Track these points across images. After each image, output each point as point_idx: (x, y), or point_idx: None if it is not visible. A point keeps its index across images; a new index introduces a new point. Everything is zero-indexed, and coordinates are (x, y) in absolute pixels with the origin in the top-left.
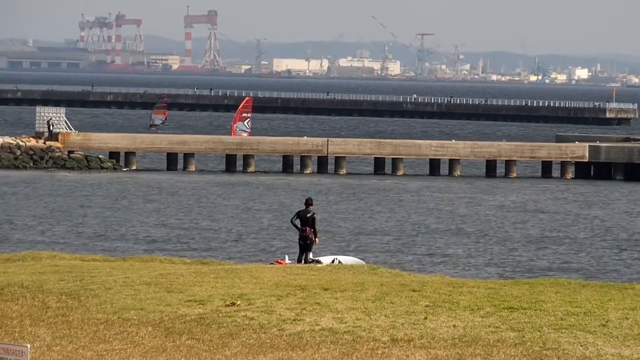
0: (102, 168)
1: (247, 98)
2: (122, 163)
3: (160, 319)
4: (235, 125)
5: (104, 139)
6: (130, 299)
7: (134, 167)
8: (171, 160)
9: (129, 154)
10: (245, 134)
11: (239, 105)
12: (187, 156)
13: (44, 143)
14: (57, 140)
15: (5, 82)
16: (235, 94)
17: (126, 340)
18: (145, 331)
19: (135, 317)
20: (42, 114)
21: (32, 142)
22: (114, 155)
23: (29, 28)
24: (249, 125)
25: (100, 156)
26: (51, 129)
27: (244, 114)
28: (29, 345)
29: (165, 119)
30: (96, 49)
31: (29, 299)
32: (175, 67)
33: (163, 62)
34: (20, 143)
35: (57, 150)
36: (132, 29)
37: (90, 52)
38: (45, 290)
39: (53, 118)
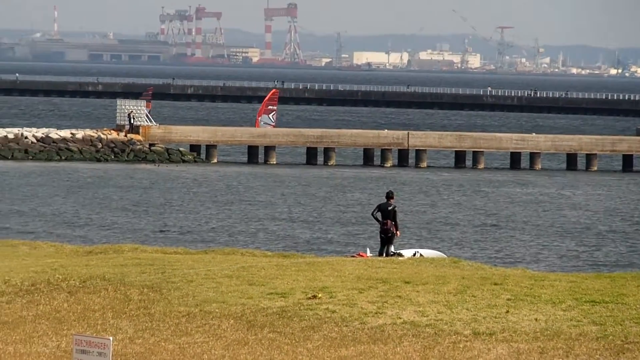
0: (183, 161)
1: (273, 90)
2: (202, 156)
3: (242, 311)
4: (259, 117)
5: (184, 132)
6: (212, 292)
7: (215, 160)
8: (252, 154)
9: (210, 147)
10: (269, 127)
11: (318, 98)
12: (268, 149)
13: (125, 136)
14: (138, 133)
15: (86, 75)
16: (316, 87)
17: (208, 333)
18: (227, 324)
19: (217, 310)
20: (123, 106)
21: (113, 134)
22: (194, 148)
23: (110, 21)
24: (275, 118)
25: (181, 149)
26: (132, 121)
27: (269, 107)
28: (111, 338)
29: (149, 111)
30: (176, 41)
31: (111, 291)
32: (255, 59)
33: (243, 55)
34: (102, 136)
35: (138, 143)
36: (213, 22)
37: (171, 45)
38: (127, 283)
39: (134, 111)
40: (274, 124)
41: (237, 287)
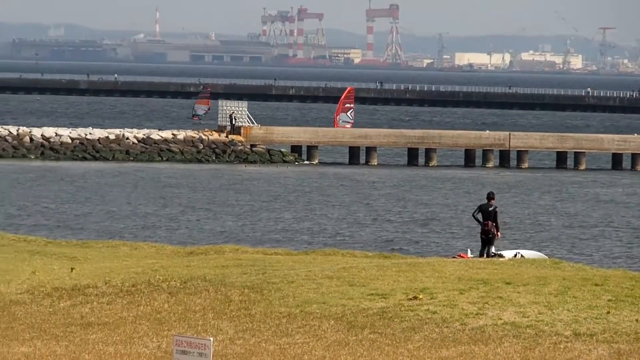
0: (284, 162)
1: (348, 88)
2: (304, 157)
3: (342, 312)
4: (338, 117)
5: (286, 133)
6: (312, 293)
7: (316, 161)
8: (353, 154)
9: (311, 148)
10: (348, 125)
11: (419, 99)
12: (370, 150)
13: (227, 137)
14: (239, 134)
15: (188, 76)
16: (417, 88)
17: (308, 334)
18: (327, 325)
19: (317, 311)
20: (225, 107)
21: (215, 135)
22: (296, 149)
23: (211, 22)
24: (353, 115)
25: (282, 150)
26: (233, 122)
27: (346, 105)
28: (211, 339)
29: (209, 109)
30: (278, 42)
31: (212, 292)
32: (357, 60)
33: (345, 56)
34: (203, 137)
35: (240, 144)
36: (314, 23)
37: (273, 46)
38: (228, 284)
39: (235, 112)
40: (352, 121)
41: (338, 287)
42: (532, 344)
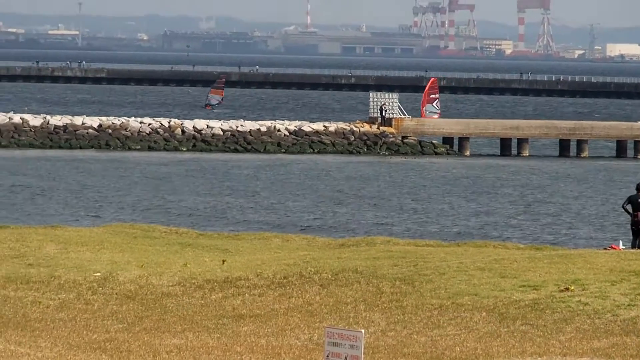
0: (436, 153)
1: (432, 79)
2: (455, 148)
3: (494, 304)
4: (424, 108)
5: (437, 124)
6: (464, 284)
7: (467, 153)
8: (505, 146)
9: (462, 139)
10: (435, 116)
11: (571, 90)
12: (521, 141)
13: (378, 129)
14: (390, 125)
15: (339, 68)
16: (569, 79)
17: (460, 326)
18: (479, 316)
19: (469, 303)
20: (376, 99)
21: (366, 127)
22: (447, 140)
23: (363, 14)
24: (439, 106)
25: (433, 141)
26: (384, 114)
27: (431, 96)
28: (362, 331)
29: (222, 99)
30: (429, 34)
31: (363, 284)
32: (508, 52)
33: (496, 47)
34: (354, 129)
35: (391, 136)
36: (465, 14)
37: (424, 37)
38: (379, 276)
39: (386, 103)
40: (439, 112)
41: (489, 279)
42: None
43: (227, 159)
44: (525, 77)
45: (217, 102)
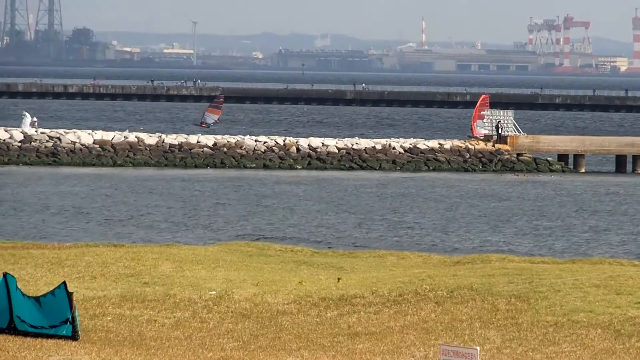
0: (551, 170)
1: (483, 96)
2: (570, 165)
3: (609, 321)
4: (475, 123)
5: (552, 142)
6: (579, 301)
7: (582, 170)
8: (620, 163)
9: (578, 156)
10: (485, 132)
11: None
12: (636, 158)
13: (493, 146)
14: (505, 143)
15: (454, 85)
16: None
17: (575, 343)
18: (594, 333)
19: (584, 320)
20: (492, 117)
21: (481, 145)
22: (562, 157)
23: (477, 31)
24: (488, 123)
25: (548, 159)
26: (500, 132)
27: (482, 112)
28: (478, 348)
29: (218, 119)
30: (544, 51)
31: (479, 301)
32: (623, 69)
33: (611, 64)
34: (470, 146)
35: (506, 153)
36: (580, 32)
37: (539, 54)
38: (495, 293)
39: (502, 121)
40: (489, 129)
41: (605, 296)
42: None
43: (343, 177)
44: (630, 94)
45: (213, 121)
